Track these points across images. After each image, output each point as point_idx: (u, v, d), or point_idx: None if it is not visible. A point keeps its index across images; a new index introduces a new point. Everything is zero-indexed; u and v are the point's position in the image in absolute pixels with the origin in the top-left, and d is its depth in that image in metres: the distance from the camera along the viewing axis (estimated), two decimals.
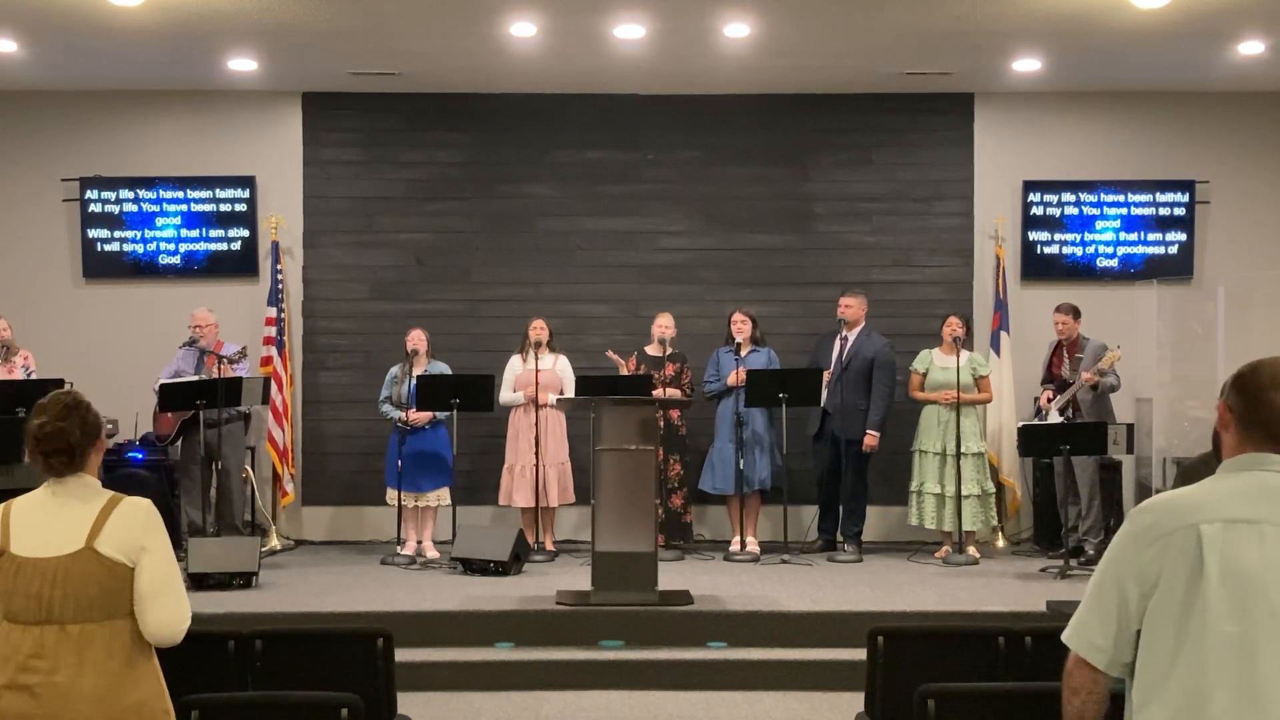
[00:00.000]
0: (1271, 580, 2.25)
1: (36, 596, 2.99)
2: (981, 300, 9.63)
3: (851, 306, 8.79)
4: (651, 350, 8.85)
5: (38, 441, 3.07)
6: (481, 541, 8.04)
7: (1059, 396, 8.46)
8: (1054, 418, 8.41)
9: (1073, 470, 8.45)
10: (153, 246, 9.70)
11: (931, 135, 9.76)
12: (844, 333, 8.79)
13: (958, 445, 8.40)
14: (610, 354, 8.82)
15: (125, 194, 9.66)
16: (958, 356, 8.49)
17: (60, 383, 7.84)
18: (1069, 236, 9.73)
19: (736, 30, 8.12)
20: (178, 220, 9.69)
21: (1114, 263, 9.75)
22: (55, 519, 3.05)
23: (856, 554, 8.66)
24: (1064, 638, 2.45)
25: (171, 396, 8.04)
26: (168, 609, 3.05)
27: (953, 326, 8.58)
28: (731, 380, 8.64)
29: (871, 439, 8.63)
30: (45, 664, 2.97)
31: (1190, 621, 2.27)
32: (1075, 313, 8.61)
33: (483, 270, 9.70)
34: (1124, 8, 7.55)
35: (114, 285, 9.69)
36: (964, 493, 8.43)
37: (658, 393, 8.28)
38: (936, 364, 8.60)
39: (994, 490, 8.73)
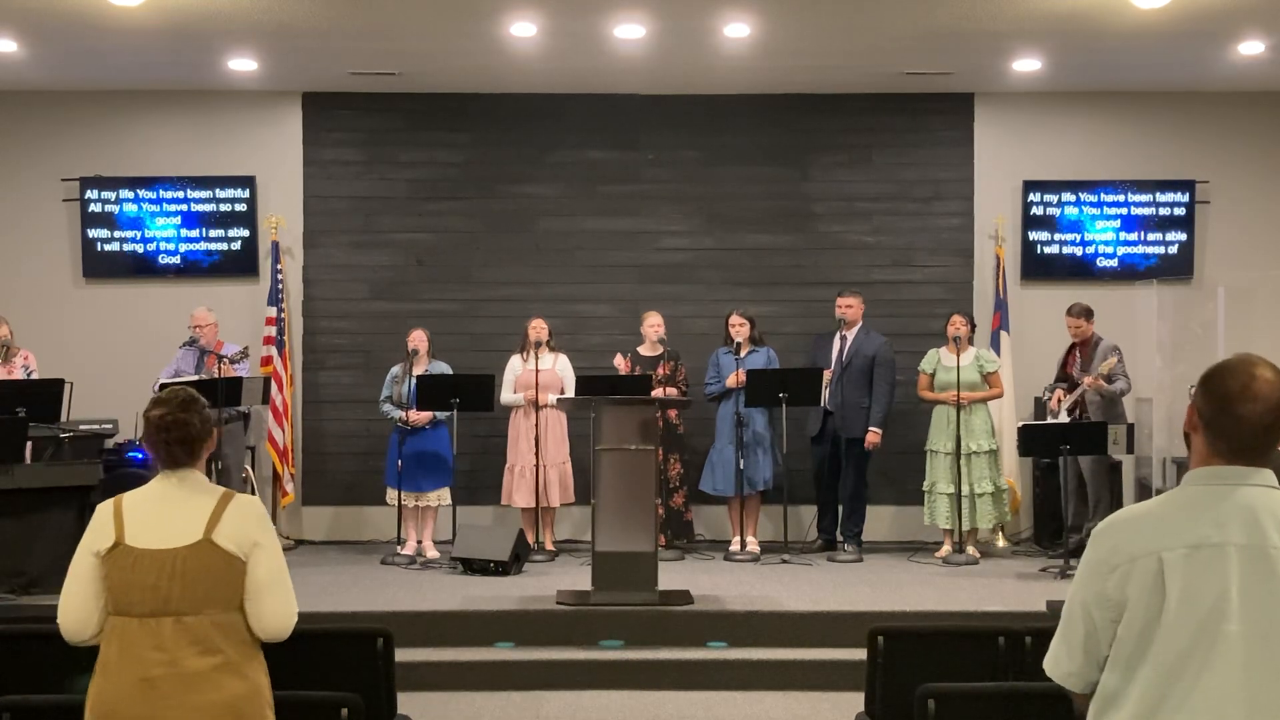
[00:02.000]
0: (1231, 606, 2.21)
1: (154, 588, 3.02)
2: (981, 300, 9.63)
3: (853, 306, 8.80)
4: (645, 350, 8.85)
5: (160, 430, 3.14)
6: (481, 541, 8.04)
7: (1068, 397, 8.47)
8: (1063, 418, 8.41)
9: (1079, 469, 8.46)
10: (153, 246, 9.70)
11: (931, 135, 9.76)
12: (843, 332, 8.80)
13: (957, 444, 8.39)
14: (619, 359, 8.81)
15: (125, 194, 9.66)
16: (959, 355, 8.49)
17: (60, 383, 7.85)
18: (1069, 236, 9.73)
19: (736, 30, 8.12)
20: (178, 220, 9.69)
21: (1114, 263, 9.75)
22: (171, 511, 3.10)
23: (856, 554, 8.66)
24: (1044, 665, 2.45)
25: None
26: (279, 603, 3.12)
27: (955, 325, 8.58)
28: (731, 382, 8.64)
29: (874, 436, 8.64)
30: (165, 656, 3.01)
31: (1149, 646, 2.24)
32: (1087, 314, 8.59)
33: (483, 270, 9.70)
34: (1124, 8, 7.55)
35: (114, 285, 9.69)
36: (977, 490, 8.43)
37: (656, 392, 8.28)
38: (944, 363, 8.59)
39: (1006, 488, 8.73)
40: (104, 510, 3.14)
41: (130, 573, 3.03)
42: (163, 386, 8.01)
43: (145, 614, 3.02)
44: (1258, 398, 2.28)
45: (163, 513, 3.10)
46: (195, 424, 3.16)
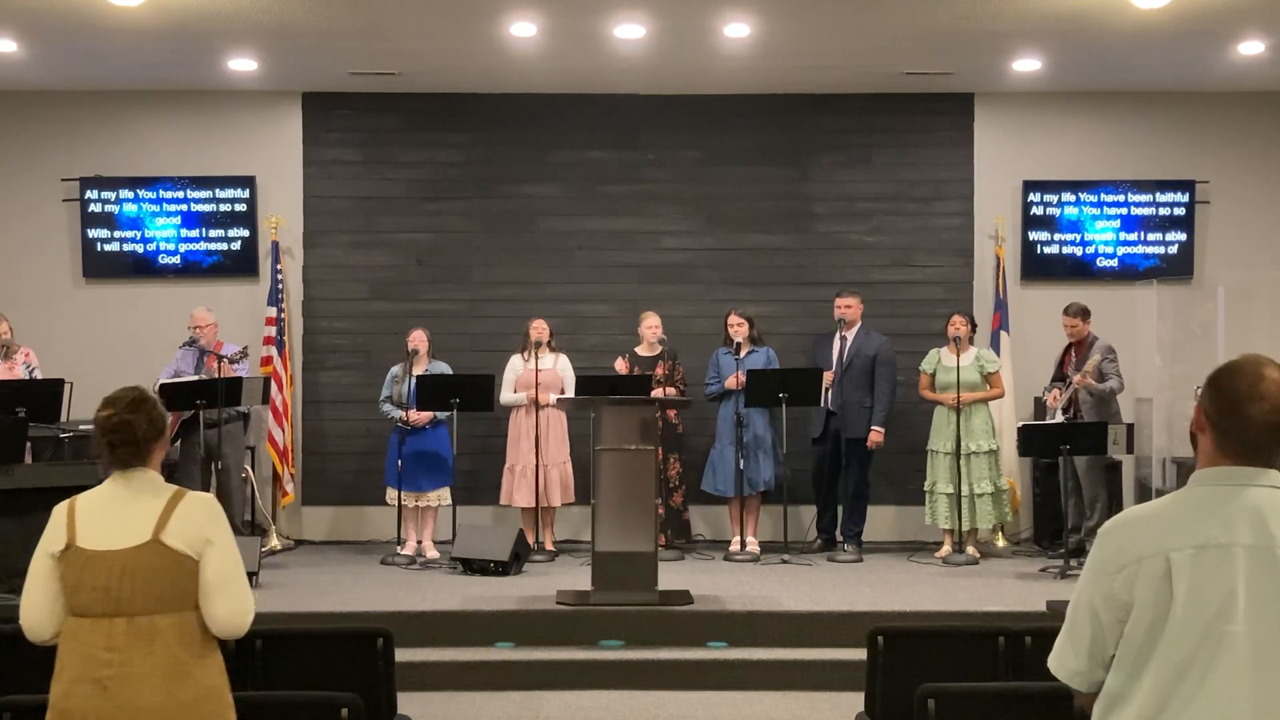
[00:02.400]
0: (1238, 607, 2.21)
1: (104, 589, 3.02)
2: (981, 300, 9.63)
3: (851, 307, 8.81)
4: (643, 351, 8.85)
5: (106, 432, 3.12)
6: (481, 541, 8.04)
7: (1062, 395, 8.47)
8: (1058, 417, 8.41)
9: (1075, 470, 8.46)
10: (153, 246, 9.70)
11: (931, 135, 9.76)
12: (843, 332, 8.80)
13: (957, 444, 8.39)
14: (619, 362, 8.80)
15: (125, 194, 9.66)
16: (958, 355, 8.49)
17: (60, 382, 7.85)
18: (1069, 236, 9.73)
19: (736, 30, 8.11)
20: (178, 220, 9.69)
21: (1114, 263, 9.75)
22: (122, 512, 3.09)
23: (856, 554, 8.66)
24: (1048, 663, 2.44)
25: (172, 396, 8.03)
26: (232, 601, 3.09)
27: (955, 325, 8.58)
28: (730, 384, 8.64)
29: (877, 435, 8.65)
30: (116, 656, 3.00)
31: (1156, 646, 2.24)
32: (1084, 314, 8.59)
33: (483, 270, 9.70)
34: (1124, 8, 7.55)
35: (114, 285, 9.69)
36: (977, 491, 8.43)
37: (656, 392, 8.28)
38: (944, 363, 8.59)
39: (1007, 488, 8.73)
40: (59, 511, 3.13)
41: (81, 574, 3.03)
42: (163, 387, 8.07)
43: (98, 615, 3.02)
44: (1265, 398, 2.27)
45: (113, 514, 3.09)
46: (142, 425, 3.12)
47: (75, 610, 3.06)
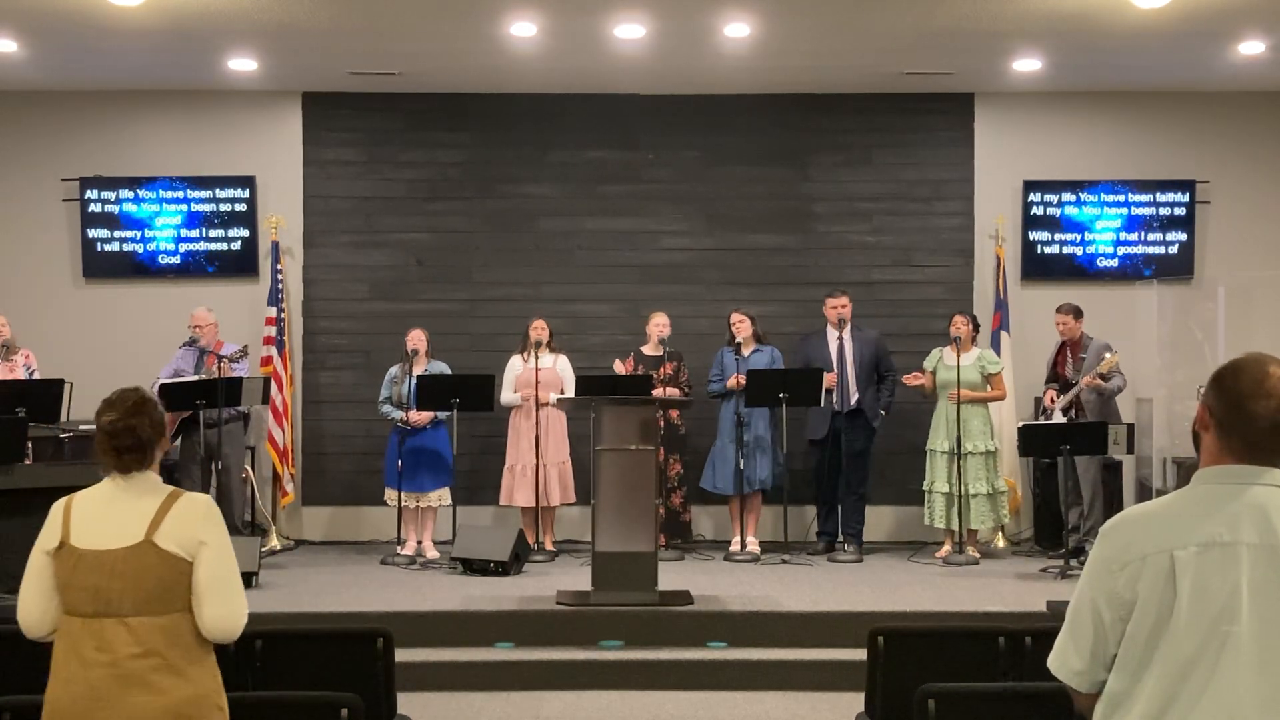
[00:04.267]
0: (1242, 606, 2.20)
1: (94, 589, 3.01)
2: (982, 300, 9.63)
3: (849, 306, 8.82)
4: (648, 350, 8.85)
5: (109, 437, 3.10)
6: (481, 541, 8.04)
7: (1062, 397, 8.46)
8: (1057, 417, 8.41)
9: (1075, 470, 8.46)
10: (153, 246, 9.70)
11: (931, 135, 9.76)
12: (840, 332, 8.79)
13: (958, 444, 8.39)
14: (618, 364, 8.80)
15: (125, 194, 9.66)
16: (959, 355, 8.49)
17: (60, 383, 7.85)
18: (1069, 236, 9.73)
19: (736, 30, 8.12)
20: (178, 220, 9.69)
21: (1114, 263, 9.75)
22: (116, 512, 3.08)
23: (857, 554, 8.66)
24: (1048, 663, 2.43)
25: (171, 396, 8.03)
26: (224, 604, 3.07)
27: (956, 325, 8.58)
28: (731, 384, 8.64)
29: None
30: (106, 656, 2.99)
31: (1159, 645, 2.24)
32: (1076, 313, 8.60)
33: (483, 270, 9.70)
34: (1124, 8, 7.55)
35: (114, 285, 9.69)
36: (972, 491, 8.43)
37: (657, 392, 8.28)
38: (945, 362, 8.59)
39: (1005, 489, 8.72)
40: (56, 509, 3.13)
41: (73, 573, 3.03)
42: (162, 387, 8.07)
43: (89, 614, 3.02)
44: (1270, 396, 2.27)
45: (108, 513, 3.08)
46: (145, 429, 3.11)
47: (68, 609, 3.06)
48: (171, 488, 3.15)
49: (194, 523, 3.07)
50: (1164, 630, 2.24)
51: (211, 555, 3.06)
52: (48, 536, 3.10)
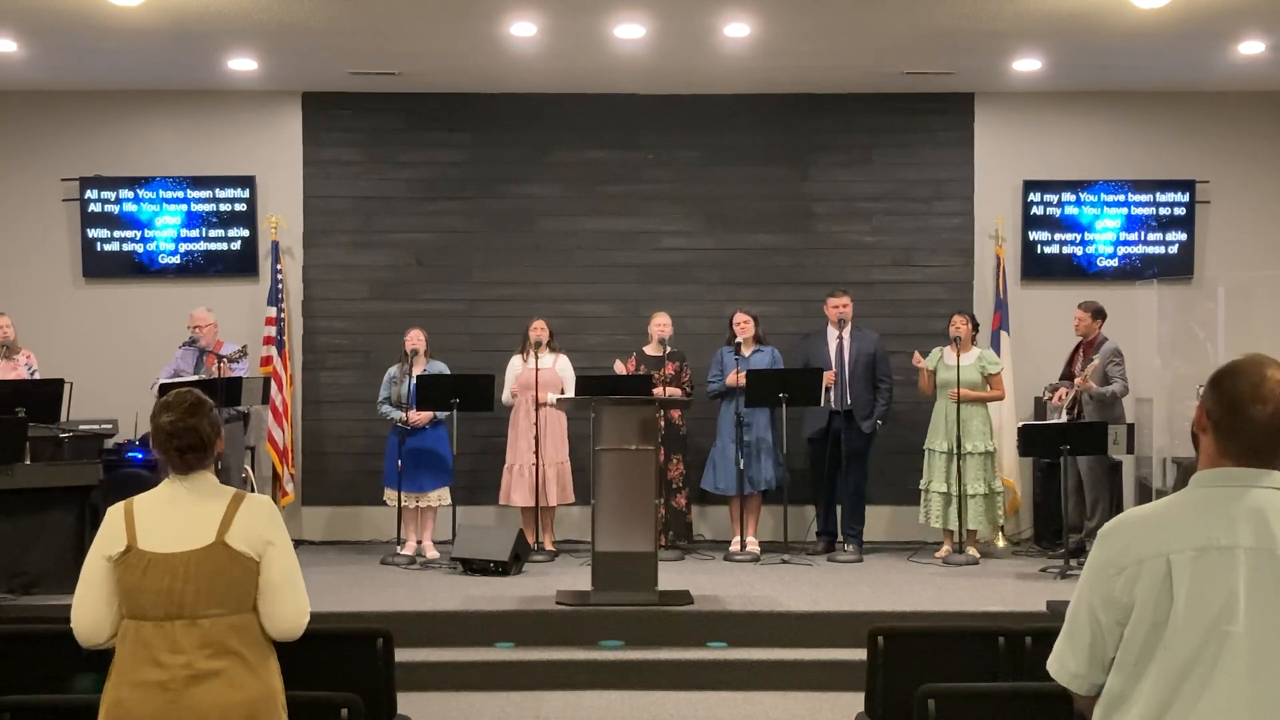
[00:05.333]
0: (1239, 609, 2.20)
1: (167, 591, 3.01)
2: (982, 300, 9.63)
3: (850, 306, 8.81)
4: (650, 350, 8.85)
5: (171, 437, 3.11)
6: (481, 541, 8.04)
7: (1067, 396, 8.47)
8: (1061, 416, 8.41)
9: (1078, 470, 8.46)
10: (153, 246, 9.70)
11: (931, 135, 9.76)
12: (840, 332, 8.79)
13: (958, 444, 8.39)
14: (618, 365, 8.80)
15: (125, 194, 9.66)
16: (958, 355, 8.49)
17: (60, 383, 7.85)
18: (1069, 236, 9.73)
19: (736, 30, 8.12)
20: (178, 220, 9.69)
21: (1114, 263, 9.75)
22: (183, 514, 3.09)
23: (857, 554, 8.66)
24: (1047, 666, 2.43)
25: None
26: (292, 603, 3.12)
27: (956, 325, 8.57)
28: (730, 381, 8.65)
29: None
30: (180, 658, 3.00)
31: (1156, 648, 2.24)
32: (1096, 312, 8.59)
33: (483, 270, 9.70)
34: (1124, 8, 7.55)
35: (114, 285, 9.69)
36: (970, 491, 8.43)
37: (658, 392, 8.28)
38: (945, 361, 8.59)
39: (1002, 490, 8.72)
40: (114, 514, 3.12)
41: (143, 577, 3.03)
42: (162, 387, 8.06)
43: (159, 617, 3.02)
44: (1268, 400, 2.26)
45: (174, 516, 3.09)
46: (205, 428, 3.14)
47: (134, 613, 3.04)
48: (234, 489, 3.18)
49: (261, 523, 3.11)
50: (1161, 633, 2.24)
51: (279, 555, 3.11)
52: (109, 542, 3.08)
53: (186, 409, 3.14)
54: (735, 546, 8.75)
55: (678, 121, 9.73)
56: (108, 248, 9.68)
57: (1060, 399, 8.54)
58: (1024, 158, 9.72)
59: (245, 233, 9.68)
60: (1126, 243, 9.73)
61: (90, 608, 3.07)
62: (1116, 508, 8.65)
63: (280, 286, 9.47)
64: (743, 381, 8.51)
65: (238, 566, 3.06)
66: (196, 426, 3.12)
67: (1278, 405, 2.26)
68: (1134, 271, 9.68)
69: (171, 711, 2.99)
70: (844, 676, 5.96)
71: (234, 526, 3.07)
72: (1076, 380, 8.31)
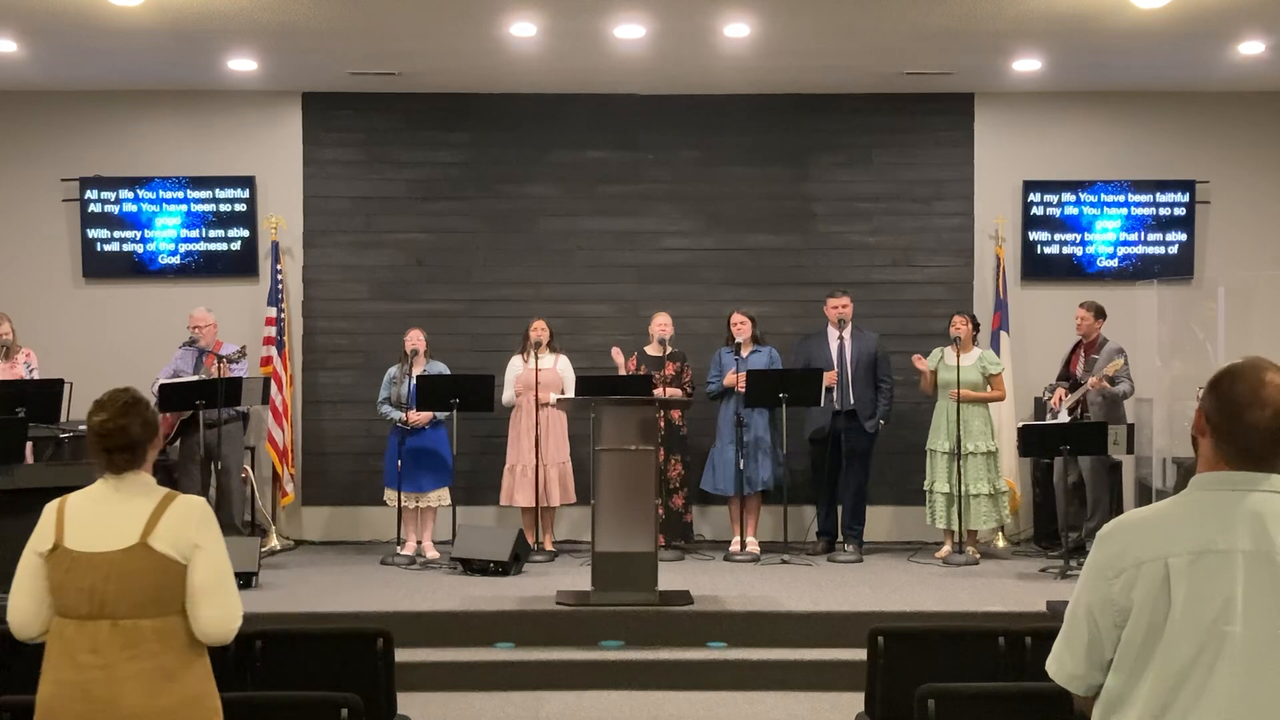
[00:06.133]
0: (1237, 613, 2.20)
1: (89, 591, 3.00)
2: (981, 300, 9.63)
3: (850, 306, 8.81)
4: (651, 350, 8.84)
5: (100, 438, 3.09)
6: (481, 541, 8.04)
7: (1070, 396, 8.47)
8: (1063, 417, 8.41)
9: (1079, 470, 8.45)
10: (153, 246, 9.69)
11: (931, 135, 9.76)
12: (841, 333, 8.79)
13: (958, 444, 8.39)
14: (615, 351, 8.80)
15: (125, 194, 9.66)
16: (958, 355, 8.49)
17: (60, 383, 7.85)
18: (1069, 236, 9.73)
19: (736, 30, 8.11)
20: (178, 220, 9.69)
21: (1114, 263, 9.75)
22: (110, 514, 3.06)
23: (857, 554, 8.66)
24: (1046, 666, 2.44)
25: (171, 396, 8.03)
26: (219, 607, 3.06)
27: (956, 326, 8.57)
28: (728, 381, 8.65)
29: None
30: (99, 659, 2.98)
31: (1154, 651, 2.24)
32: (1098, 311, 8.59)
33: (483, 270, 9.70)
34: (1124, 8, 7.55)
35: (114, 285, 9.68)
36: (973, 491, 8.42)
37: (658, 392, 8.28)
38: (946, 361, 8.59)
39: (1005, 489, 8.72)
40: (49, 510, 3.13)
41: (67, 575, 3.02)
42: (162, 387, 8.07)
43: (82, 616, 3.00)
44: (1266, 404, 2.26)
45: (101, 515, 3.06)
46: (136, 429, 3.10)
47: (60, 611, 3.04)
48: (166, 490, 3.13)
49: (189, 526, 3.06)
50: (1159, 636, 2.24)
51: (206, 558, 3.05)
52: (40, 538, 3.09)
53: (119, 409, 3.12)
54: (735, 547, 8.75)
55: (678, 121, 9.73)
56: (108, 248, 9.68)
57: (1059, 400, 8.54)
58: (1024, 158, 9.72)
59: (245, 233, 9.68)
60: (1126, 243, 9.73)
61: (22, 603, 3.08)
62: (1117, 508, 8.66)
63: (280, 287, 9.47)
64: (741, 382, 8.51)
65: (160, 569, 3.01)
66: (126, 427, 3.09)
67: (1276, 409, 2.26)
68: (1134, 272, 9.67)
69: (90, 712, 2.97)
70: (844, 676, 5.96)
71: (158, 529, 3.02)
72: (1091, 380, 8.28)
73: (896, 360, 8.91)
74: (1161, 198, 9.71)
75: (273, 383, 9.06)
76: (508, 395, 8.78)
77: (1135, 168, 9.71)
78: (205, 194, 9.67)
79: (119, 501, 3.08)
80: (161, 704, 2.99)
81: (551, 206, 9.73)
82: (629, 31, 8.15)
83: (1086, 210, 9.72)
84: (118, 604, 2.99)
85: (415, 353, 8.64)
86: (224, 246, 9.71)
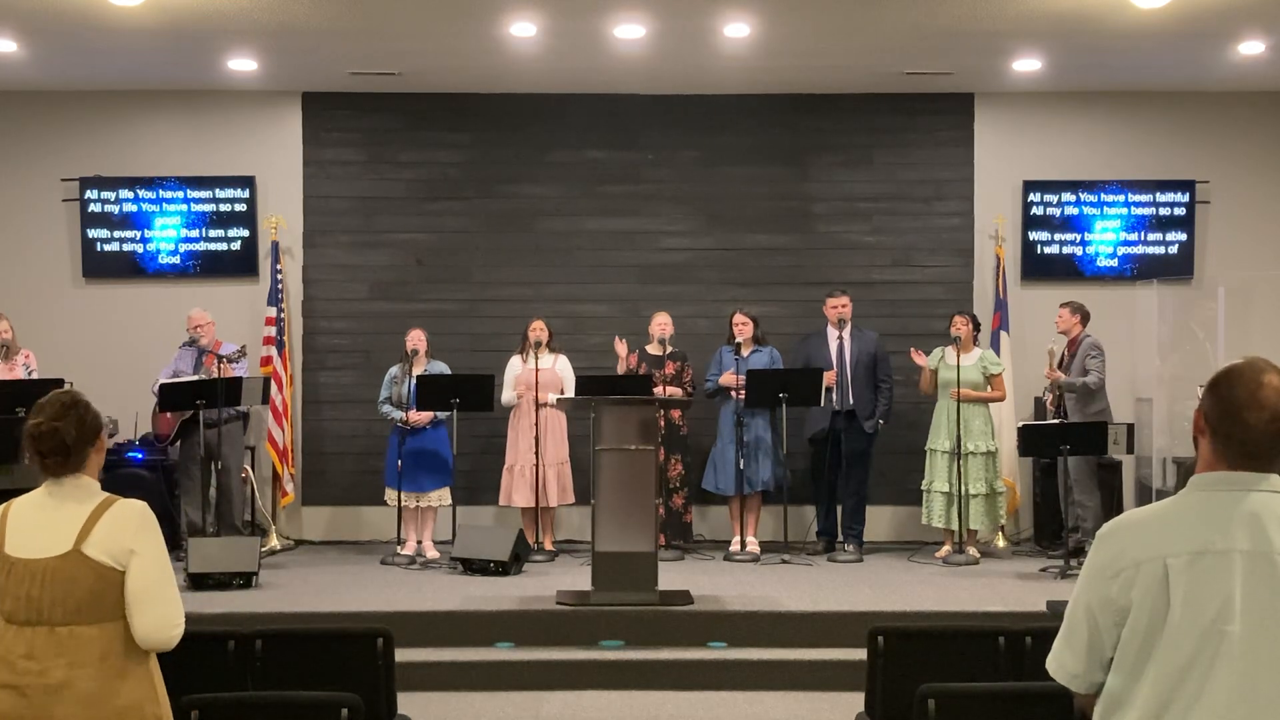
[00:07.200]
0: (1235, 612, 2.21)
1: (26, 597, 2.97)
2: (981, 300, 9.63)
3: (849, 306, 8.81)
4: (652, 350, 8.84)
5: (33, 441, 3.04)
6: (481, 541, 8.04)
7: (1049, 395, 8.50)
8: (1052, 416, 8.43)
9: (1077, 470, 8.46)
10: (152, 246, 9.69)
11: (931, 135, 9.76)
12: (840, 332, 8.79)
13: (958, 443, 8.39)
14: (618, 341, 8.78)
15: (125, 194, 9.66)
16: (959, 355, 8.49)
17: (60, 383, 7.83)
18: (1069, 236, 9.73)
19: (736, 30, 8.12)
20: (178, 220, 9.69)
21: (1114, 263, 9.75)
22: (49, 520, 3.03)
23: (857, 554, 8.66)
24: (1046, 665, 2.44)
25: (171, 396, 8.04)
26: (156, 614, 3.02)
27: (956, 326, 8.58)
28: (726, 381, 8.64)
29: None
30: (35, 665, 2.96)
31: (1153, 650, 2.24)
32: (1078, 310, 8.59)
33: (483, 270, 9.70)
34: (1124, 8, 7.56)
35: (114, 285, 9.68)
36: (971, 491, 8.43)
37: (658, 392, 8.28)
38: (946, 362, 8.59)
39: (1004, 490, 8.72)
40: None
41: (6, 580, 2.99)
42: (162, 387, 8.07)
43: (21, 622, 2.98)
44: (1265, 405, 2.27)
45: (40, 521, 3.03)
46: (70, 432, 3.04)
47: (5, 616, 3.01)
48: (106, 494, 3.08)
49: (125, 531, 3.01)
50: (1158, 636, 2.24)
51: (143, 564, 3.01)
52: None
53: (54, 411, 3.06)
54: (735, 546, 8.75)
55: (678, 121, 9.73)
56: (108, 248, 9.68)
57: (1051, 401, 8.56)
58: (1024, 158, 9.72)
59: (245, 233, 9.68)
60: (1126, 243, 9.73)
61: None
62: (1116, 508, 8.66)
63: (280, 286, 9.47)
64: (738, 383, 8.51)
65: (95, 576, 2.97)
66: (58, 429, 3.03)
67: (1275, 411, 2.27)
68: (1134, 272, 9.67)
69: (27, 718, 2.94)
70: (844, 676, 5.96)
71: (93, 535, 2.99)
72: (1045, 373, 8.34)
73: (896, 360, 8.92)
74: (1161, 198, 9.71)
75: (273, 382, 9.06)
76: (507, 395, 8.78)
77: (1135, 168, 9.72)
78: (205, 194, 9.67)
79: (54, 507, 3.04)
80: (98, 711, 2.96)
81: (551, 206, 9.73)
82: (629, 31, 8.15)
83: (1086, 210, 9.72)
84: (54, 610, 2.96)
85: (416, 353, 8.64)
86: (224, 246, 9.71)
